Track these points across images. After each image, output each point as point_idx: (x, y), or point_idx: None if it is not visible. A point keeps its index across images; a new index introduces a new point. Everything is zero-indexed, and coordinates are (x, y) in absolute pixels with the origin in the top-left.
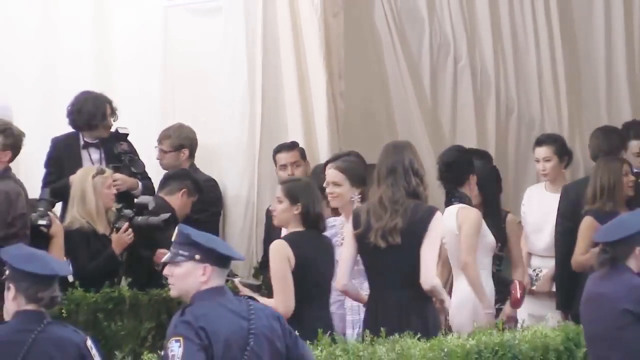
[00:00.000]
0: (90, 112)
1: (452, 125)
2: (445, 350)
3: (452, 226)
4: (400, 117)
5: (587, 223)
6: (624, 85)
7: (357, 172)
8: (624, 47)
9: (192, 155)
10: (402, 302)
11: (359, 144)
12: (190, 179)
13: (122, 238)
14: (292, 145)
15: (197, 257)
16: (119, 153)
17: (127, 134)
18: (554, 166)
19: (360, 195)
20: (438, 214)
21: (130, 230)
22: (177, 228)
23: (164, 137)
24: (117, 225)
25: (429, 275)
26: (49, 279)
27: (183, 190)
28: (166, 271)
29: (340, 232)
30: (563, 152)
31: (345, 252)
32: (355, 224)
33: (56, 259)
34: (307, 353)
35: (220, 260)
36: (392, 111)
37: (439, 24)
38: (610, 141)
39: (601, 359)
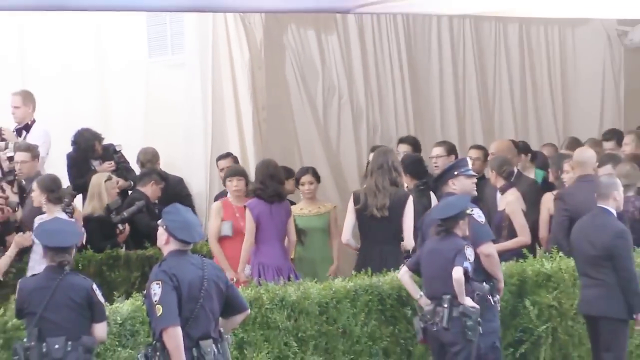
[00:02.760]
0: (84, 149)
1: (337, 142)
2: (333, 289)
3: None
4: (304, 136)
5: None
6: (453, 113)
7: (47, 183)
8: (452, 88)
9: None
10: (383, 252)
11: (275, 154)
12: (155, 172)
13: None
14: (227, 155)
15: (164, 227)
16: (117, 163)
17: (120, 150)
18: None
19: (47, 200)
20: (410, 197)
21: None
22: (168, 206)
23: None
24: (118, 225)
25: (410, 240)
26: (60, 249)
27: (152, 181)
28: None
29: None
30: None
31: (348, 219)
32: (356, 201)
33: (69, 234)
34: (237, 292)
35: (174, 237)
36: (298, 131)
37: (329, 74)
38: (445, 149)
39: (434, 291)
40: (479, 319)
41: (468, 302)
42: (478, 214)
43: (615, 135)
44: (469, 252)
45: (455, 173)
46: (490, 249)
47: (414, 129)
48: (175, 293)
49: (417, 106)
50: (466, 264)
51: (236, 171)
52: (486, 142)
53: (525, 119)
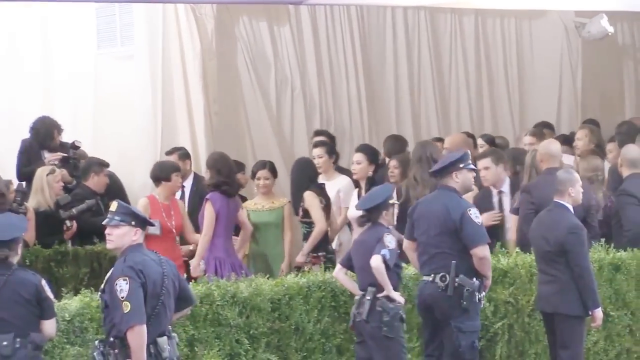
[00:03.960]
0: (43, 136)
1: (291, 135)
2: (286, 286)
3: None
4: (256, 128)
5: None
6: (408, 106)
7: None
8: (407, 81)
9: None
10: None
11: (226, 147)
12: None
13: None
14: (171, 151)
15: (133, 223)
16: (69, 157)
17: (79, 147)
18: (362, 168)
19: None
20: None
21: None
22: (116, 202)
23: None
24: (66, 221)
25: None
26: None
27: (92, 173)
28: (108, 230)
29: None
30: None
31: None
32: (398, 195)
33: (7, 227)
34: (188, 286)
35: (145, 225)
36: (250, 124)
37: (281, 65)
38: (397, 143)
39: (362, 283)
40: (402, 315)
41: (395, 295)
42: (475, 214)
43: (547, 128)
44: (388, 240)
45: (461, 166)
46: (484, 252)
47: (368, 121)
48: (142, 290)
49: (371, 99)
50: (384, 252)
51: (179, 168)
52: (441, 134)
53: (481, 111)
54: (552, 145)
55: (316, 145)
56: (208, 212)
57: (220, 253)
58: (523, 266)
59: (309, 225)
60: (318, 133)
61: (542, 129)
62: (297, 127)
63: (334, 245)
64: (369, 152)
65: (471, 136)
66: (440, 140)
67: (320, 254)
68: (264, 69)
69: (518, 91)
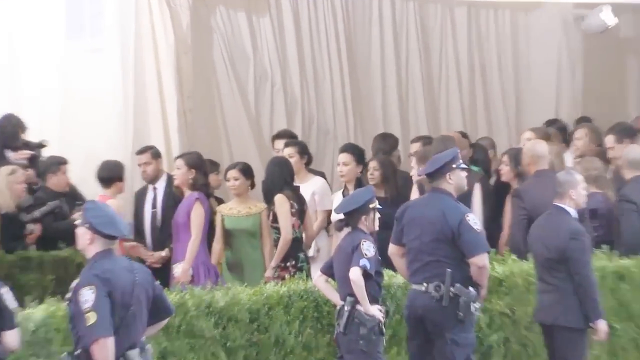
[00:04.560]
0: (7, 135)
1: (270, 132)
2: (265, 295)
3: None
4: (233, 127)
5: None
6: (395, 104)
7: None
8: (394, 77)
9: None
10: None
11: (201, 146)
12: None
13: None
14: (143, 150)
15: (87, 225)
16: (35, 156)
17: (45, 146)
18: (350, 169)
19: None
20: (477, 185)
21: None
22: (85, 203)
23: None
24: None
25: None
26: None
27: (49, 173)
28: (77, 230)
29: None
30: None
31: None
32: (421, 191)
33: None
34: (164, 294)
35: (99, 231)
36: (227, 122)
37: (260, 60)
38: (386, 142)
39: (343, 291)
40: (381, 327)
41: (372, 309)
42: (473, 220)
43: (554, 126)
44: (366, 247)
45: (454, 166)
46: (484, 260)
47: (353, 119)
48: (108, 300)
49: (356, 95)
50: (363, 262)
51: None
52: (431, 133)
53: (474, 110)
54: (537, 146)
55: (287, 145)
56: (199, 213)
57: (206, 258)
58: (520, 275)
59: (279, 231)
60: (279, 135)
61: (547, 127)
62: (277, 126)
63: (310, 252)
64: (356, 152)
65: (465, 136)
66: (425, 138)
67: (289, 263)
68: (242, 63)
69: (513, 88)
